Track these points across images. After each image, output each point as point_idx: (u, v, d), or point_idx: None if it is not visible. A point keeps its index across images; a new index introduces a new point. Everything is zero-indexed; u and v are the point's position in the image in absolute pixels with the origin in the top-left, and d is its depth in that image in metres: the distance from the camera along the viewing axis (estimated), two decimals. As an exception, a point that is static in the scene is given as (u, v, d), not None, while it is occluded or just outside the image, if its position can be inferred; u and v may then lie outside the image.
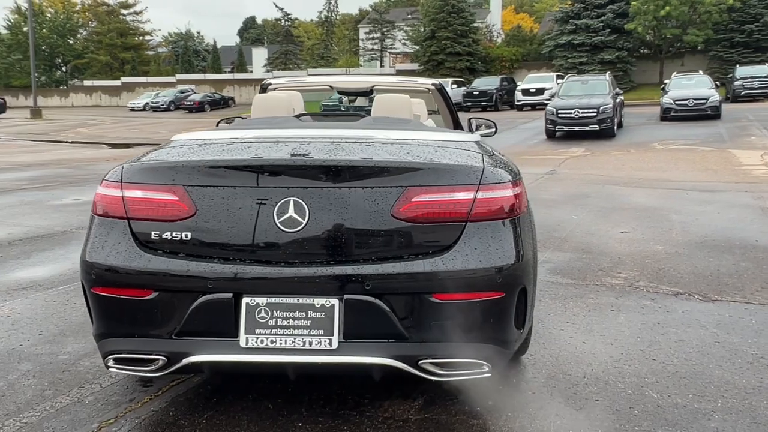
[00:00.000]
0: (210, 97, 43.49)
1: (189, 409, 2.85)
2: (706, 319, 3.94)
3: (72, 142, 21.67)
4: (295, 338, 2.30)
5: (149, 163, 2.50)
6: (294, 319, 2.30)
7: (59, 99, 55.95)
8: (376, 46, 56.20)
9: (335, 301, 2.30)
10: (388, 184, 2.35)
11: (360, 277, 2.29)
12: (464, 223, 2.38)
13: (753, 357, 3.37)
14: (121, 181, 2.46)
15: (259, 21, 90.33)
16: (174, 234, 2.37)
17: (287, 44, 56.81)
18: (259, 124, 3.21)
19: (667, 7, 32.60)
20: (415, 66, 43.57)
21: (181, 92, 45.15)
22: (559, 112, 17.08)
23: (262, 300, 2.31)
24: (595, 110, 16.64)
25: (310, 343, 2.29)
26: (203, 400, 2.92)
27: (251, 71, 57.64)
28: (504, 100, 31.96)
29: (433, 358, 2.35)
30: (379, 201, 2.33)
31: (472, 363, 2.39)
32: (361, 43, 58.79)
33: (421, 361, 2.34)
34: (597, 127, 16.58)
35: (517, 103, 30.05)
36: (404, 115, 3.49)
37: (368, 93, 4.77)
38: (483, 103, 31.58)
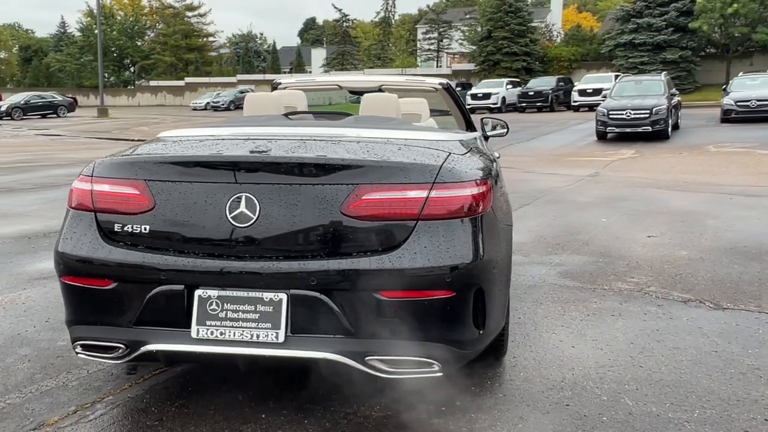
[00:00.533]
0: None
1: (163, 397, 2.94)
2: (710, 327, 3.79)
3: (134, 140, 22.47)
4: (243, 331, 2.35)
5: (118, 159, 2.60)
6: (243, 312, 2.36)
7: (127, 98, 58.19)
8: (432, 47, 56.08)
9: (283, 296, 2.34)
10: (340, 181, 2.37)
11: (306, 272, 2.32)
12: (415, 222, 2.37)
13: (748, 368, 3.23)
14: (92, 176, 2.57)
15: (320, 22, 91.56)
16: (134, 227, 2.46)
17: (344, 45, 57.42)
18: (246, 122, 3.28)
19: (735, 5, 31.31)
20: (471, 66, 43.28)
21: (241, 92, 46.04)
22: (610, 113, 16.63)
23: (213, 293, 2.37)
24: (648, 111, 16.13)
25: (258, 336, 2.34)
26: (179, 389, 3.02)
27: (309, 71, 58.47)
28: (560, 100, 31.35)
29: (380, 355, 2.35)
30: (329, 198, 2.36)
31: (421, 362, 2.38)
32: (418, 44, 58.79)
33: (368, 358, 2.34)
34: (650, 128, 16.07)
35: (573, 103, 29.45)
36: (391, 114, 3.51)
37: (377, 92, 4.80)
38: (538, 104, 31.15)
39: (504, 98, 32.48)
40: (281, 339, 2.33)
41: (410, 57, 57.00)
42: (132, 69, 65.64)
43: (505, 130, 5.17)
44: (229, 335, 2.35)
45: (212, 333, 2.36)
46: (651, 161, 12.75)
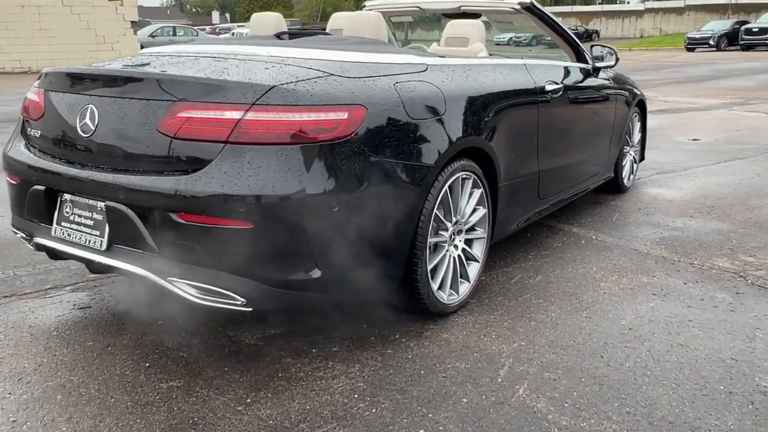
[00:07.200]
0: (573, 30, 42.31)
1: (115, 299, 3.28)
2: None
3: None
4: (81, 235, 2.48)
5: (48, 69, 2.86)
6: (84, 217, 2.48)
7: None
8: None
9: (103, 206, 2.40)
10: (160, 97, 2.30)
11: (116, 186, 2.33)
12: (223, 145, 2.21)
13: (728, 363, 2.36)
14: (33, 86, 2.90)
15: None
16: (33, 131, 2.72)
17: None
18: (223, 41, 3.31)
19: None
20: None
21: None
22: None
23: (68, 197, 2.53)
24: None
25: (89, 242, 2.45)
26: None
27: (626, 2, 53.79)
28: None
29: (182, 279, 2.29)
30: (150, 114, 2.30)
31: (223, 293, 2.26)
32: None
33: (170, 278, 2.29)
34: None
35: None
36: (368, 35, 3.21)
37: (456, 13, 4.36)
38: None
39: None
40: (104, 247, 2.42)
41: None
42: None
43: (614, 61, 4.33)
44: (72, 237, 2.51)
45: (62, 233, 2.54)
46: None
